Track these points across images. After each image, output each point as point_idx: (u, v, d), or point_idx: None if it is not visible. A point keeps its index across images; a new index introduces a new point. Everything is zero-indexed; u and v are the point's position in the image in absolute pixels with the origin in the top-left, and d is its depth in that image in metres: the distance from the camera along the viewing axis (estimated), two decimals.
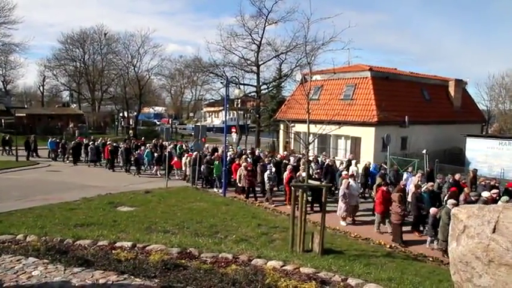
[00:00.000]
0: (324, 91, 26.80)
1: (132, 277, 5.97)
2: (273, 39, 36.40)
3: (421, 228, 14.01)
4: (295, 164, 19.41)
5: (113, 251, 7.04)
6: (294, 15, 33.20)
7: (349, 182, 14.98)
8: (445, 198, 13.90)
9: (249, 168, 18.19)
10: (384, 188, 14.00)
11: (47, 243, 7.35)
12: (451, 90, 31.47)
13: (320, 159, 21.11)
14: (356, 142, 24.92)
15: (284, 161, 20.22)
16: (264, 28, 34.11)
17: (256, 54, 34.76)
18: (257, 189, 18.75)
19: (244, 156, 20.85)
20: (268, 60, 35.87)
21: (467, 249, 7.27)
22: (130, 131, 47.59)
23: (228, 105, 25.37)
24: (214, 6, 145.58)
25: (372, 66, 26.86)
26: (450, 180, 16.08)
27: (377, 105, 23.65)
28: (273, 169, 18.04)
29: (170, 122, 64.03)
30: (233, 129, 40.95)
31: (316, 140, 24.51)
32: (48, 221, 12.69)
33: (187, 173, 21.55)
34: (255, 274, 6.05)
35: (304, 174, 15.74)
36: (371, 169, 19.33)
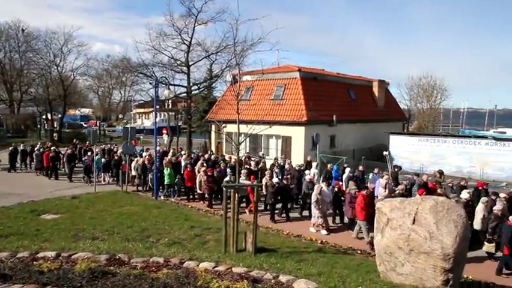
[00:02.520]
0: (255, 91, 27.08)
1: None
2: (203, 40, 36.02)
3: None
4: (255, 168, 18.52)
5: (35, 262, 6.61)
6: (224, 15, 33.13)
7: (321, 187, 14.35)
8: None
9: (209, 173, 17.16)
10: (365, 192, 13.14)
11: None
12: (375, 90, 33.15)
13: (279, 162, 20.44)
14: (286, 141, 25.43)
15: (246, 165, 18.97)
16: (194, 28, 33.78)
17: (186, 54, 34.31)
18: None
19: (200, 161, 19.67)
20: (199, 61, 35.54)
21: (391, 241, 7.71)
22: (55, 134, 45.10)
23: (158, 107, 24.87)
24: (142, 5, 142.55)
25: (301, 67, 27.56)
26: (419, 182, 15.96)
27: (306, 105, 24.29)
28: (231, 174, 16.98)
29: (98, 124, 61.52)
30: (164, 131, 40.14)
31: (247, 140, 24.82)
32: None
33: (136, 180, 20.47)
34: (186, 277, 5.98)
35: (275, 180, 15.65)
36: (332, 172, 18.69)
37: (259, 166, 19.02)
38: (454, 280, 7.13)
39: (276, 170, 18.44)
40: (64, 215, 14.79)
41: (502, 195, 13.57)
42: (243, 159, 20.96)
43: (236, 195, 10.70)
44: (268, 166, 19.85)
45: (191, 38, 33.97)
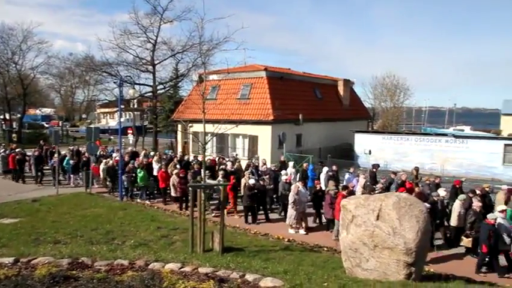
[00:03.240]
0: (221, 91, 26.98)
1: None
2: (169, 39, 35.90)
3: None
4: (232, 169, 17.86)
5: None
6: (190, 14, 32.89)
7: (298, 187, 14.10)
8: None
9: (181, 175, 16.61)
10: (345, 193, 12.80)
11: None
12: (340, 89, 33.66)
13: (254, 162, 20.02)
14: (253, 141, 25.45)
15: (222, 166, 18.34)
16: (160, 27, 33.40)
17: (151, 53, 33.88)
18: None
19: (173, 163, 19.06)
20: (165, 60, 35.15)
21: (356, 237, 7.84)
22: (14, 135, 43.55)
23: (123, 106, 24.41)
24: (105, 2, 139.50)
25: (267, 67, 27.64)
26: (398, 181, 15.88)
27: (273, 104, 24.40)
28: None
29: (60, 124, 59.79)
30: (129, 131, 39.52)
31: (214, 140, 24.73)
32: None
33: (108, 182, 19.76)
34: (152, 279, 5.90)
35: (251, 181, 15.18)
36: (308, 171, 18.40)
37: (235, 167, 18.58)
38: (416, 273, 7.33)
39: (253, 171, 17.99)
40: (23, 219, 14.31)
41: (477, 191, 13.77)
42: (217, 159, 20.80)
43: (202, 194, 10.65)
44: (243, 166, 19.58)
45: (156, 37, 33.61)
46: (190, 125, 22.41)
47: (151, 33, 33.38)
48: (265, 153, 23.75)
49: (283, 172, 17.14)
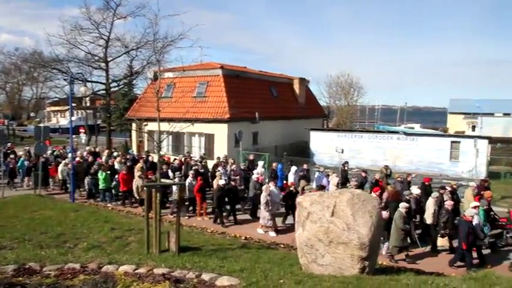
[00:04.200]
0: (177, 89, 26.63)
1: None
2: (123, 35, 34.73)
3: None
4: (202, 170, 17.49)
5: None
6: (144, 10, 32.22)
7: (270, 188, 13.85)
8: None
9: (149, 176, 16.15)
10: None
11: None
12: (296, 87, 34.06)
13: (222, 161, 19.68)
14: (209, 139, 25.32)
15: (194, 167, 17.74)
16: (113, 22, 32.46)
17: (104, 49, 32.89)
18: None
19: (139, 164, 18.12)
20: (118, 57, 34.21)
21: (311, 233, 7.92)
22: None
23: (74, 104, 23.59)
24: None
25: (224, 65, 27.57)
26: (372, 180, 15.95)
27: (229, 103, 24.35)
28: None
29: (6, 123, 57.07)
30: (81, 130, 38.27)
31: (170, 139, 24.40)
32: None
33: (68, 183, 18.83)
34: (105, 282, 5.73)
35: (221, 182, 14.82)
36: (277, 170, 18.16)
37: (203, 165, 18.23)
38: (369, 267, 7.50)
39: (221, 170, 17.53)
40: None
41: (447, 188, 14.12)
42: (183, 159, 20.27)
43: (158, 194, 10.46)
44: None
45: (109, 33, 32.65)
46: (145, 123, 21.98)
47: (104, 29, 32.41)
48: (221, 152, 23.65)
49: (255, 171, 17.00)
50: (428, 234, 12.76)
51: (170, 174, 17.10)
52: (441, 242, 12.06)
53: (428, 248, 12.45)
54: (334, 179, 15.89)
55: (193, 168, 17.44)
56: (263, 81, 30.78)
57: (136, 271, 6.47)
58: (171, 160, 20.51)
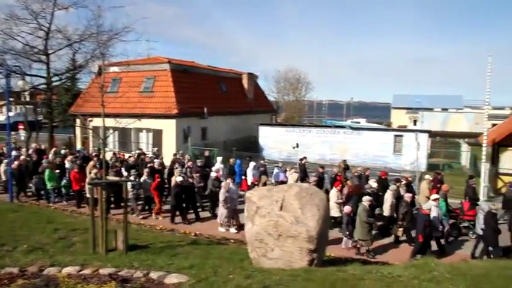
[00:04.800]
0: (123, 83, 25.90)
1: None
2: (65, 27, 32.87)
3: None
4: (160, 167, 16.98)
5: None
6: (87, 1, 30.86)
7: (229, 184, 13.64)
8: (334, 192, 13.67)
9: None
10: None
11: None
12: (245, 83, 34.12)
13: (178, 157, 19.08)
14: (157, 135, 24.86)
15: (150, 164, 17.13)
16: (53, 13, 30.80)
17: (44, 41, 31.24)
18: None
19: (91, 163, 16.93)
20: (60, 49, 32.40)
21: (261, 228, 7.97)
22: None
23: (12, 99, 22.37)
24: None
25: (171, 59, 27.12)
26: (332, 175, 15.92)
27: (177, 98, 24.01)
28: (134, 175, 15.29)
29: None
30: (20, 126, 36.38)
31: (116, 135, 23.72)
32: None
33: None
34: (46, 285, 5.50)
35: (179, 179, 14.27)
36: (235, 166, 17.97)
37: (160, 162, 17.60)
38: (318, 259, 7.66)
39: (178, 168, 16.71)
40: None
41: (403, 181, 14.46)
42: (136, 156, 19.44)
43: (103, 192, 10.14)
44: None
45: (50, 24, 30.97)
46: (89, 119, 21.22)
47: (43, 20, 30.72)
48: (170, 148, 23.32)
49: (213, 168, 16.74)
50: (387, 227, 13.09)
51: (125, 172, 16.43)
52: (396, 231, 12.39)
53: (387, 240, 12.72)
54: (293, 175, 15.82)
55: (149, 165, 16.87)
56: (212, 76, 30.58)
57: (81, 272, 6.27)
58: (126, 157, 19.81)
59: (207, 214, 15.43)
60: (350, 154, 25.87)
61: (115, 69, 25.13)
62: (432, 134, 29.37)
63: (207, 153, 20.50)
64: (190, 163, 18.00)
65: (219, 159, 18.56)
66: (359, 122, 51.16)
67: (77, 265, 6.60)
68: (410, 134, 25.21)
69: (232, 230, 13.55)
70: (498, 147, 18.19)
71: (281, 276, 6.11)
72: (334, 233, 13.11)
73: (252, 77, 34.89)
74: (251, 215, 8.25)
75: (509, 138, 17.76)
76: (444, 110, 59.45)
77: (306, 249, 7.47)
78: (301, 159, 18.79)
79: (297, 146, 22.06)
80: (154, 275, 6.08)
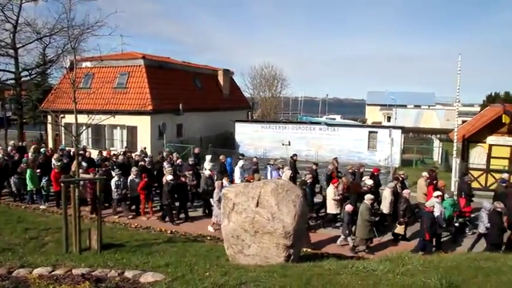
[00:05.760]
0: (96, 79, 25.41)
1: None
2: (34, 20, 32.04)
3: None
4: (150, 166, 16.32)
5: None
6: None
7: (222, 183, 13.27)
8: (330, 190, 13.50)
9: (91, 173, 14.64)
10: None
11: None
12: (220, 79, 33.96)
13: (165, 155, 18.54)
14: (132, 131, 24.50)
15: (141, 163, 16.61)
16: (21, 5, 29.93)
17: (12, 35, 30.33)
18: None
19: (77, 161, 16.15)
20: (29, 43, 31.57)
21: (237, 224, 7.95)
22: None
23: None
24: None
25: (146, 55, 26.75)
26: (328, 172, 15.84)
27: (151, 94, 23.72)
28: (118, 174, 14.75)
29: None
30: None
31: (89, 132, 23.27)
32: None
33: None
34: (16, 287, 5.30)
35: (169, 177, 13.93)
36: (226, 164, 17.55)
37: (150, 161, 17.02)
38: (294, 255, 7.69)
39: (166, 166, 16.48)
40: None
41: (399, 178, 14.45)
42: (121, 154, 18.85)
43: (76, 191, 9.94)
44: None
45: (17, 16, 30.09)
46: (61, 115, 20.77)
47: (11, 12, 29.79)
48: (145, 144, 23.02)
49: (206, 166, 16.53)
50: (384, 224, 13.11)
51: (116, 171, 15.63)
52: (398, 229, 12.32)
53: (385, 238, 12.71)
54: (287, 172, 15.48)
55: (140, 164, 16.39)
56: (187, 72, 30.31)
57: (53, 273, 6.08)
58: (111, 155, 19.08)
59: (198, 213, 15.12)
60: (325, 150, 26.10)
61: (88, 64, 24.69)
62: (405, 130, 29.88)
63: (197, 150, 19.78)
64: (179, 161, 17.70)
65: (208, 157, 18.05)
66: (334, 119, 51.73)
67: (49, 266, 6.41)
68: (384, 130, 25.58)
69: (211, 229, 13.31)
70: (468, 143, 18.60)
71: (258, 272, 6.09)
72: (330, 231, 13.26)
73: (227, 73, 34.76)
74: (227, 211, 8.23)
75: (478, 134, 18.18)
76: (417, 106, 60.60)
77: (282, 245, 7.48)
78: (292, 157, 18.44)
79: (289, 143, 22.19)
80: (129, 274, 5.96)
